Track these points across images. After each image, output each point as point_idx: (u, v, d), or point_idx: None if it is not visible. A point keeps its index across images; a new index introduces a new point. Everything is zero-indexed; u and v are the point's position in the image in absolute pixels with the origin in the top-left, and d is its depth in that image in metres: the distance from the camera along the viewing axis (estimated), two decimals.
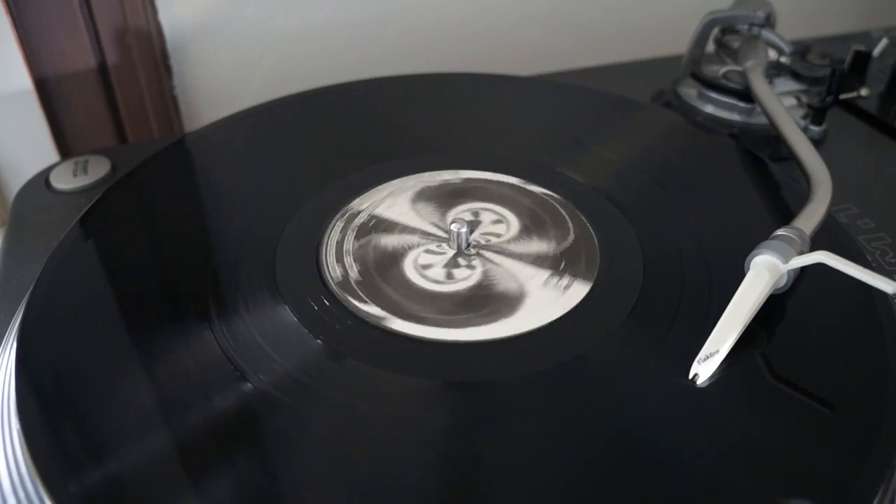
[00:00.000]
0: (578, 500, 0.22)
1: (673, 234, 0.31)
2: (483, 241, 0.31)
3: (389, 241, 0.31)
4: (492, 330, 0.27)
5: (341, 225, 0.32)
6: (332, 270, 0.30)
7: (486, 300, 0.28)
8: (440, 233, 0.32)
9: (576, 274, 0.29)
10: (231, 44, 0.54)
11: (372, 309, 0.28)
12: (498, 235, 0.32)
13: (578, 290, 0.29)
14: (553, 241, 0.31)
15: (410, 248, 0.31)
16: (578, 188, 0.34)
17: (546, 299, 0.28)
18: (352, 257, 0.30)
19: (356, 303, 0.28)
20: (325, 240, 0.31)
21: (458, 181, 0.35)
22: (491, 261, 0.30)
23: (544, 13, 0.61)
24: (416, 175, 0.35)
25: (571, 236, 0.31)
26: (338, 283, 0.29)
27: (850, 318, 0.28)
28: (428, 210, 0.33)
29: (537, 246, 0.31)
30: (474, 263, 0.30)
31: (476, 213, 0.33)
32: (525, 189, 0.34)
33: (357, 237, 0.31)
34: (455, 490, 0.22)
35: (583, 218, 0.32)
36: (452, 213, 0.33)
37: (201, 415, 0.24)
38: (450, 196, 0.34)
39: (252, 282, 0.29)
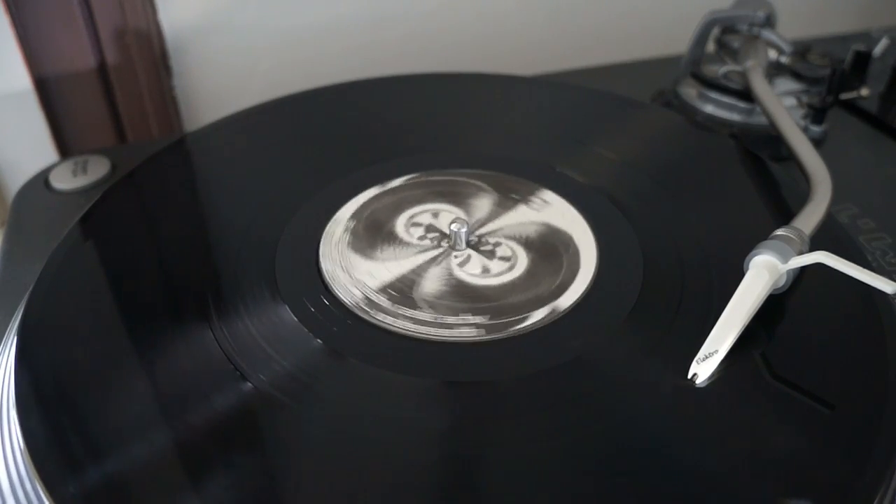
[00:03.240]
0: (578, 500, 0.22)
1: (673, 234, 0.31)
2: (457, 229, 0.31)
3: (431, 284, 0.29)
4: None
5: (380, 314, 0.28)
6: (458, 333, 0.27)
7: (558, 244, 0.31)
8: (435, 251, 0.31)
9: (528, 192, 0.34)
10: (231, 44, 0.54)
11: (535, 315, 0.27)
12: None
13: (553, 198, 0.33)
14: (485, 193, 0.34)
15: (450, 271, 0.30)
16: (578, 188, 0.34)
17: (560, 209, 0.33)
18: (456, 317, 0.28)
19: (518, 326, 0.27)
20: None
21: (349, 221, 0.32)
22: (496, 231, 0.32)
23: (544, 14, 0.61)
24: (324, 236, 0.32)
25: (482, 183, 0.34)
26: (485, 332, 0.27)
27: (850, 318, 0.28)
28: (391, 250, 0.31)
29: (485, 203, 0.33)
30: (495, 241, 0.31)
31: (418, 223, 0.32)
32: (395, 188, 0.34)
33: (408, 305, 0.28)
34: (455, 490, 0.22)
35: (475, 170, 0.34)
36: (404, 232, 0.32)
37: (201, 415, 0.24)
38: (374, 229, 0.32)
39: (252, 282, 0.29)
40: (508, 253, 0.31)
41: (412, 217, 0.33)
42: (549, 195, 0.34)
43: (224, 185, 0.36)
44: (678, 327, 0.27)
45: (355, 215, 0.33)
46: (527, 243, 0.31)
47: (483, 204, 0.33)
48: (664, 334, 0.27)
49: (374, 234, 0.32)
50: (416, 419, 0.24)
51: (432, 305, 0.28)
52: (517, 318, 0.28)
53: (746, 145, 0.38)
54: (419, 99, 0.43)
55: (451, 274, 0.30)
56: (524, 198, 0.33)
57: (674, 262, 0.30)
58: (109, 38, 0.48)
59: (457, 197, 0.34)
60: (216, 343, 0.26)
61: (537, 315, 0.28)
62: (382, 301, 0.28)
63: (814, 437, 0.23)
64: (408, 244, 0.31)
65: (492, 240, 0.31)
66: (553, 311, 0.28)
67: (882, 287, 0.25)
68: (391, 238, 0.32)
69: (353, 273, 0.30)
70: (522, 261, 0.30)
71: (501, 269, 0.30)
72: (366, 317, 0.28)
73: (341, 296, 0.28)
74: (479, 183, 0.34)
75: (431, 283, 0.29)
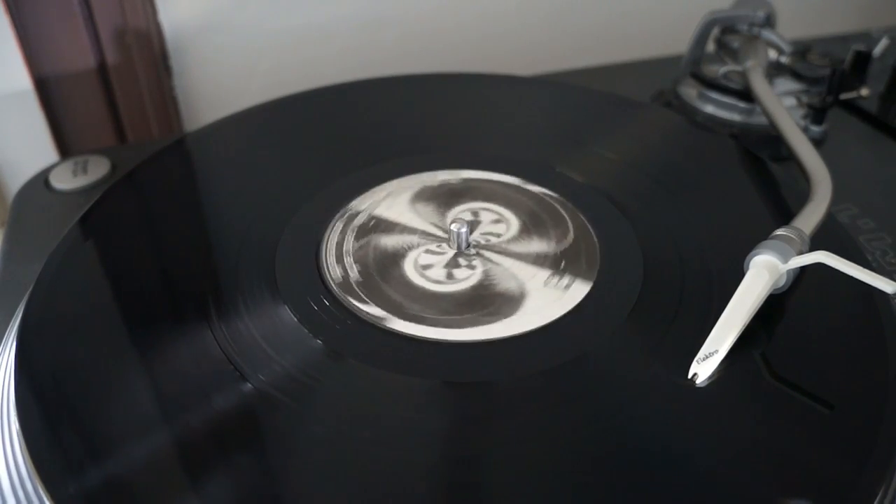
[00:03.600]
0: (578, 501, 0.22)
1: (673, 234, 0.31)
2: (483, 241, 0.31)
3: (389, 241, 0.31)
4: (492, 330, 0.27)
5: (341, 225, 0.32)
6: (332, 271, 0.30)
7: (488, 300, 0.28)
8: (440, 233, 0.32)
9: (576, 273, 0.29)
10: (231, 44, 0.54)
11: (372, 309, 0.28)
12: (498, 235, 0.32)
13: (579, 290, 0.29)
14: (553, 240, 0.31)
15: (411, 248, 0.31)
16: (578, 188, 0.34)
17: (547, 298, 0.28)
18: (352, 258, 0.30)
19: (356, 303, 0.28)
20: (325, 240, 0.31)
21: (457, 181, 0.35)
22: (491, 260, 0.30)
23: (544, 14, 0.61)
24: (416, 175, 0.35)
25: (571, 235, 0.31)
26: (338, 284, 0.29)
27: (850, 318, 0.28)
28: (427, 210, 0.33)
29: (537, 245, 0.31)
30: (474, 263, 0.30)
31: (476, 213, 0.33)
32: (524, 189, 0.34)
33: (357, 237, 0.31)
34: (455, 490, 0.22)
35: (582, 217, 0.32)
36: (452, 214, 0.33)
37: (201, 415, 0.24)
38: (449, 196, 0.34)
39: (252, 282, 0.29)
40: (465, 275, 0.30)
41: (476, 208, 0.33)
42: (580, 286, 0.29)
43: (224, 185, 0.36)
44: (678, 327, 0.27)
45: (446, 181, 0.34)
46: (486, 282, 0.29)
47: (537, 246, 0.31)
48: (664, 334, 0.27)
49: (437, 197, 0.34)
50: (416, 419, 0.24)
51: (359, 259, 0.30)
52: (376, 315, 0.28)
53: (746, 145, 0.38)
54: (419, 99, 0.43)
55: (404, 249, 0.31)
56: (561, 273, 0.29)
57: (674, 262, 0.30)
58: (109, 38, 0.48)
59: (536, 221, 0.32)
60: (216, 343, 0.26)
61: (396, 325, 0.27)
62: (354, 223, 0.32)
63: (814, 437, 0.23)
64: (439, 216, 0.32)
65: (481, 258, 0.30)
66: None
67: (882, 287, 0.25)
68: (438, 208, 0.33)
69: (382, 202, 0.33)
70: (510, 216, 0.32)
71: (437, 277, 0.29)
72: (366, 317, 0.27)
73: (352, 203, 0.33)
74: (570, 227, 0.32)
75: (387, 241, 0.31)
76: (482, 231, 0.32)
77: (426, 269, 0.30)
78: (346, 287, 0.29)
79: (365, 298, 0.28)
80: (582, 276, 0.29)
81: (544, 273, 0.30)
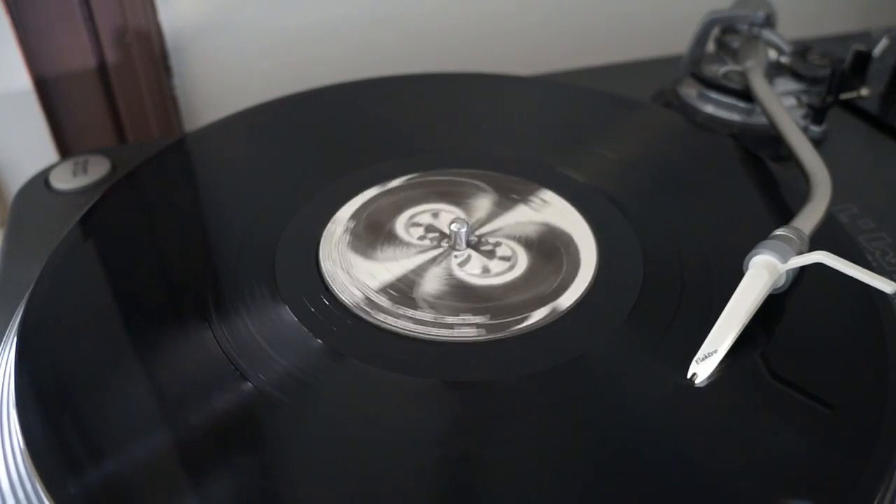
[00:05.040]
0: (578, 500, 0.22)
1: (673, 234, 0.31)
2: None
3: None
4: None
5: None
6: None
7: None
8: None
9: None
10: (231, 44, 0.54)
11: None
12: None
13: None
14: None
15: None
16: (578, 188, 0.34)
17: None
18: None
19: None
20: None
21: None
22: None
23: (544, 14, 0.61)
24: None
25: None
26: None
27: (850, 318, 0.28)
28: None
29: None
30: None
31: (497, 244, 0.31)
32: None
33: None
34: (455, 490, 0.22)
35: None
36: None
37: (201, 415, 0.24)
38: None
39: (252, 282, 0.29)
40: (508, 253, 0.31)
41: (412, 217, 0.33)
42: (548, 195, 0.33)
43: (224, 185, 0.36)
44: (678, 327, 0.27)
45: (355, 215, 0.33)
46: (527, 243, 0.31)
47: (483, 204, 0.33)
48: (664, 334, 0.27)
49: (373, 234, 0.32)
50: (416, 419, 0.24)
51: (433, 305, 0.28)
52: (517, 317, 0.28)
53: (746, 145, 0.38)
54: (419, 99, 0.43)
55: (451, 274, 0.30)
56: (524, 198, 0.33)
57: (674, 262, 0.30)
58: (109, 38, 0.48)
59: (456, 197, 0.34)
60: (216, 343, 0.26)
61: (538, 315, 0.28)
62: (383, 301, 0.28)
63: (814, 437, 0.23)
64: (408, 244, 0.31)
65: (492, 240, 0.31)
66: (553, 310, 0.28)
67: (882, 287, 0.25)
68: (391, 238, 0.31)
69: (354, 273, 0.29)
70: (523, 260, 0.30)
71: (502, 268, 0.30)
72: (366, 317, 0.27)
73: (341, 296, 0.28)
74: (478, 183, 0.34)
75: (432, 283, 0.29)
76: (489, 264, 0.31)
77: (487, 271, 0.30)
78: (493, 328, 0.27)
79: (518, 318, 0.27)
80: (535, 189, 0.31)
81: (523, 207, 0.32)
